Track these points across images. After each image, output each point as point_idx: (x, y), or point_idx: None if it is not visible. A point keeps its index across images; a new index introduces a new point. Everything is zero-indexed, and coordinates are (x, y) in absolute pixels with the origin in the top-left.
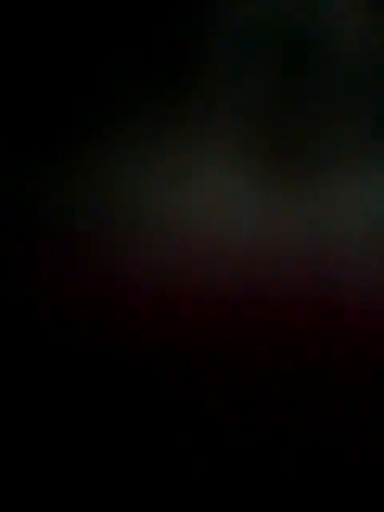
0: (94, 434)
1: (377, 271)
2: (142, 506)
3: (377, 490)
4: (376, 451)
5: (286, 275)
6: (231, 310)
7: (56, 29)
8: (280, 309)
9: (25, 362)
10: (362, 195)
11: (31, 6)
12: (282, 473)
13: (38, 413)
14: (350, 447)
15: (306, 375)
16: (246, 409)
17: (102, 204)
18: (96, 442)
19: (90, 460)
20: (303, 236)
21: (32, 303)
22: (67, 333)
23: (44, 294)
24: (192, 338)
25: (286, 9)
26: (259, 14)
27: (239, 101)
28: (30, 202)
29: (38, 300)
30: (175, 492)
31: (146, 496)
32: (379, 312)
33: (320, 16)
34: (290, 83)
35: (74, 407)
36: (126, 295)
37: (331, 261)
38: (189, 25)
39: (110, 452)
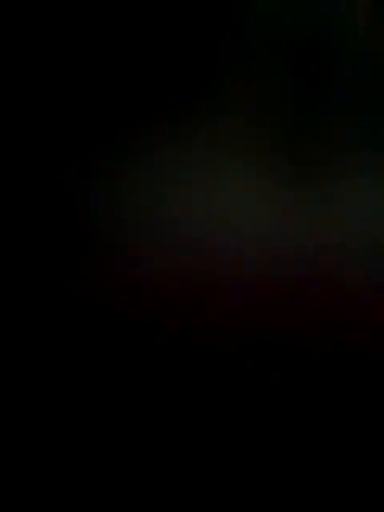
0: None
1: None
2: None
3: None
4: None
5: (295, 273)
6: (244, 301)
7: (102, 39)
8: (285, 305)
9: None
10: (375, 194)
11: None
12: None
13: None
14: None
15: (308, 368)
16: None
17: (139, 204)
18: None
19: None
20: (313, 234)
21: (85, 299)
22: (120, 327)
23: (97, 290)
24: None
25: (298, 12)
26: (272, 18)
27: (254, 104)
28: (82, 202)
29: (92, 296)
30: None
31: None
32: None
33: (331, 19)
34: (303, 85)
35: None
36: (165, 287)
37: (340, 258)
38: (210, 33)
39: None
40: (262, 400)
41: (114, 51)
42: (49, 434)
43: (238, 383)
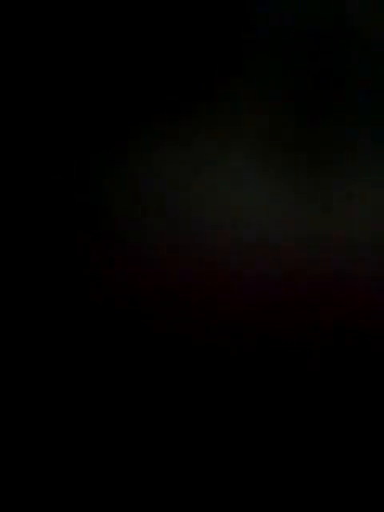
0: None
1: None
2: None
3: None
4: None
5: (298, 273)
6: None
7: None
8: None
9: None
10: (378, 193)
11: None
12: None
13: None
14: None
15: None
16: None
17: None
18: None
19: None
20: (316, 234)
21: (108, 295)
22: (143, 323)
23: (118, 288)
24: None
25: (299, 11)
26: (288, 18)
27: (265, 104)
28: (103, 202)
29: (114, 293)
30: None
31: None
32: None
33: (334, 16)
34: (314, 84)
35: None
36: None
37: (346, 258)
38: (225, 33)
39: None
40: (261, 400)
41: (117, 52)
42: (49, 431)
43: (238, 383)
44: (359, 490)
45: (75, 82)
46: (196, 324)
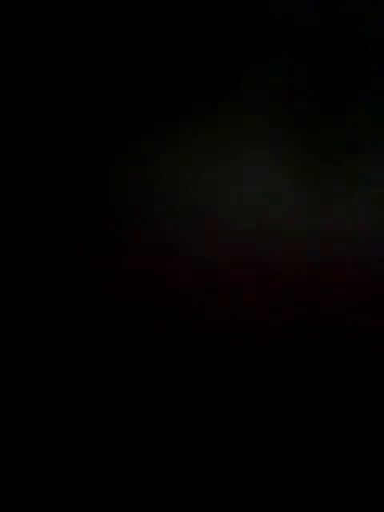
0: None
1: None
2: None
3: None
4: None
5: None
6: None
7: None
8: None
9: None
10: None
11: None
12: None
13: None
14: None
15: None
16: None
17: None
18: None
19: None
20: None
21: (109, 294)
22: (146, 319)
23: (120, 286)
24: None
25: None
26: (304, 10)
27: (282, 96)
28: (108, 200)
29: (116, 295)
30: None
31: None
32: None
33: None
34: (331, 78)
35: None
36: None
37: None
38: (237, 26)
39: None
40: (262, 398)
41: (118, 52)
42: (50, 428)
43: (238, 381)
44: (359, 490)
45: (76, 82)
46: (196, 323)
